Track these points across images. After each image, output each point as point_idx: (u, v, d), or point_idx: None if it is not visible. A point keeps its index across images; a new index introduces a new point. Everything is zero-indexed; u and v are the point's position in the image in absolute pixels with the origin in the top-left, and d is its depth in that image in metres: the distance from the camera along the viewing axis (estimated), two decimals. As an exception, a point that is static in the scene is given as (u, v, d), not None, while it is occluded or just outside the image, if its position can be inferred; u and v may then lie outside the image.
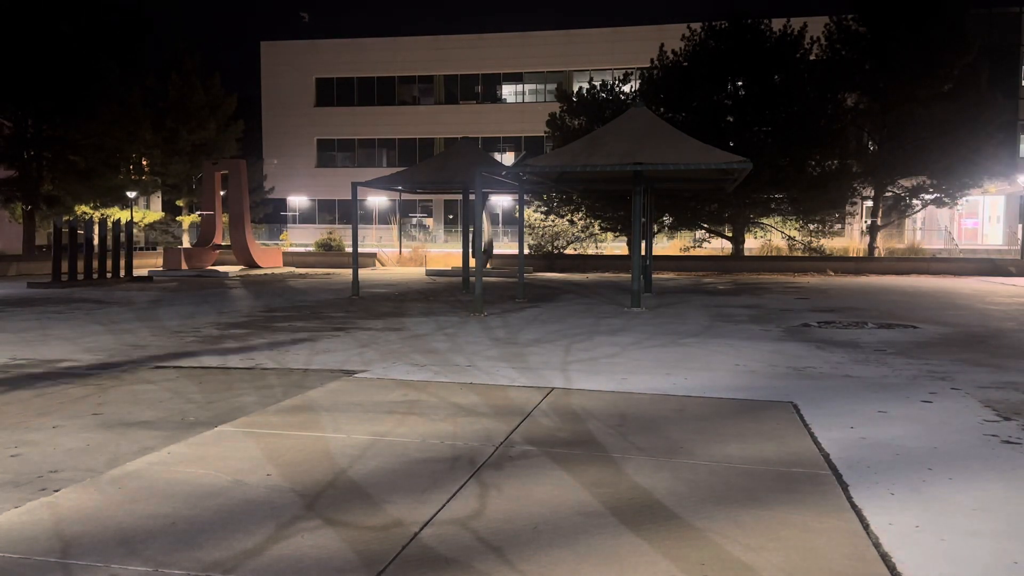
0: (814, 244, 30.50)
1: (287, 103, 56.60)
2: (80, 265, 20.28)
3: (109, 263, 21.37)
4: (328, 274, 26.14)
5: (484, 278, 14.45)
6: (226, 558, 3.43)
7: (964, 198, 31.51)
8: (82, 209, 30.98)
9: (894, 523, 3.89)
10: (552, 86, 45.25)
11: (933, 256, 30.40)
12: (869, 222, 32.35)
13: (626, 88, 31.28)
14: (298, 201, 56.97)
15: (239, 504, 4.10)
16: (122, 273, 21.76)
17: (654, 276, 20.78)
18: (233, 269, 26.60)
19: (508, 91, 55.66)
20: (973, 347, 9.90)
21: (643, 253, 16.64)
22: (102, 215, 30.59)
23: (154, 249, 36.19)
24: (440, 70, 55.42)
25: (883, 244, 32.66)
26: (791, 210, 29.79)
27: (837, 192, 28.86)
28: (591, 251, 33.55)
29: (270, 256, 29.18)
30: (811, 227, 30.52)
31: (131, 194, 32.24)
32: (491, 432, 5.54)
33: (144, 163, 35.82)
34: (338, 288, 19.60)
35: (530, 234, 32.06)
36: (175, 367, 8.25)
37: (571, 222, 31.63)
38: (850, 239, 36.59)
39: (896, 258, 29.35)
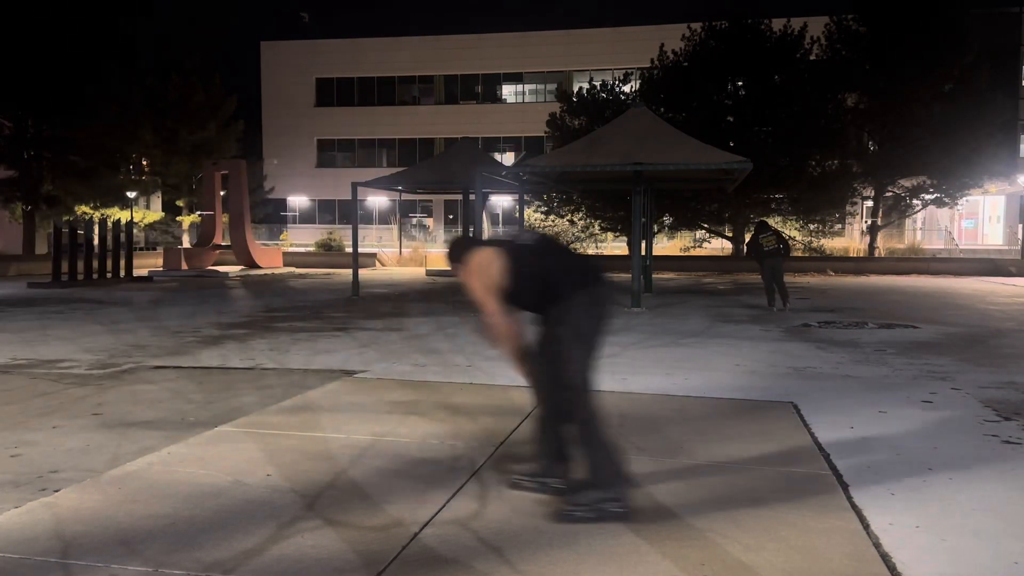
0: (814, 244, 30.51)
1: (287, 103, 56.56)
2: (80, 265, 20.29)
3: (109, 263, 21.37)
4: (328, 274, 26.14)
5: (484, 278, 14.42)
6: (226, 558, 3.43)
7: (964, 198, 31.51)
8: (82, 209, 30.98)
9: (894, 523, 3.89)
10: (552, 86, 45.23)
11: (933, 256, 30.40)
12: (869, 222, 32.37)
13: (626, 88, 31.32)
14: (298, 201, 56.95)
15: (239, 504, 4.10)
16: (122, 273, 21.76)
17: (654, 276, 20.77)
18: (233, 269, 26.60)
19: (508, 91, 55.63)
20: (973, 347, 9.90)
21: (643, 253, 16.65)
22: (102, 215, 30.59)
23: (154, 249, 36.18)
24: (440, 70, 55.38)
25: (883, 244, 32.67)
26: (791, 210, 29.81)
27: (837, 192, 28.88)
28: (591, 251, 33.55)
29: (270, 256, 29.18)
30: (811, 227, 30.54)
31: (131, 194, 32.26)
32: (491, 432, 5.54)
33: (144, 163, 35.83)
34: (338, 288, 19.60)
35: (530, 234, 32.01)
36: (175, 367, 8.25)
37: (571, 222, 31.65)
38: (850, 239, 36.60)
39: (896, 258, 29.36)
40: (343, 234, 37.84)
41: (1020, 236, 33.35)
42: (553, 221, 32.05)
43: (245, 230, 27.35)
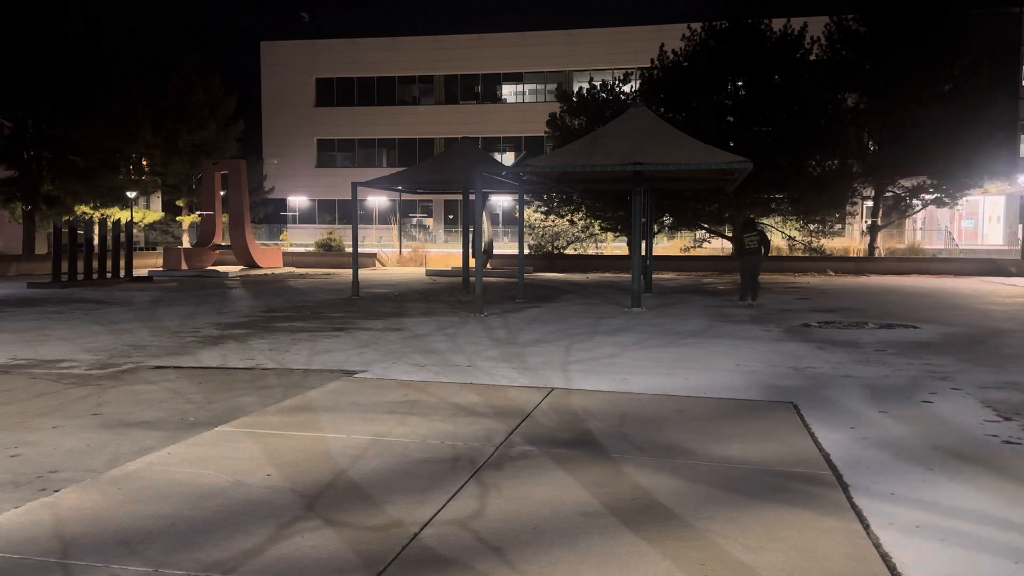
0: (814, 244, 30.49)
1: (287, 103, 56.57)
2: (80, 265, 20.28)
3: (109, 263, 21.37)
4: (328, 274, 26.14)
5: (484, 278, 14.45)
6: (226, 558, 3.43)
7: (964, 198, 31.50)
8: (82, 209, 30.96)
9: (894, 523, 3.89)
10: (552, 86, 45.23)
11: (933, 256, 30.40)
12: (869, 222, 32.34)
13: (626, 88, 31.27)
14: (298, 201, 56.96)
15: (239, 504, 4.10)
16: (122, 273, 21.76)
17: (654, 276, 20.76)
18: (233, 269, 26.60)
19: (508, 91, 55.64)
20: (974, 347, 9.90)
21: (643, 253, 16.64)
22: (102, 215, 30.58)
23: (154, 249, 36.18)
24: (440, 70, 55.39)
25: (883, 244, 32.64)
26: (791, 210, 29.79)
27: (837, 192, 28.85)
28: (591, 251, 33.55)
29: (270, 256, 29.18)
30: (811, 227, 30.51)
31: (131, 194, 32.25)
32: (491, 432, 5.53)
33: (144, 163, 35.80)
34: (338, 288, 19.59)
35: (530, 234, 32.05)
36: (175, 367, 8.25)
37: (571, 222, 31.62)
38: (850, 239, 36.57)
39: (896, 258, 29.35)
40: (343, 234, 37.84)
41: (1020, 236, 33.35)
42: (553, 221, 32.04)
43: (245, 230, 27.35)
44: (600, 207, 29.55)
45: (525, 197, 23.21)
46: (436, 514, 3.96)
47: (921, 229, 41.58)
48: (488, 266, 26.01)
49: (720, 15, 29.16)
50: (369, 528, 3.78)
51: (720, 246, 34.36)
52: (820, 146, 27.89)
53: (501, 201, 44.48)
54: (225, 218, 29.67)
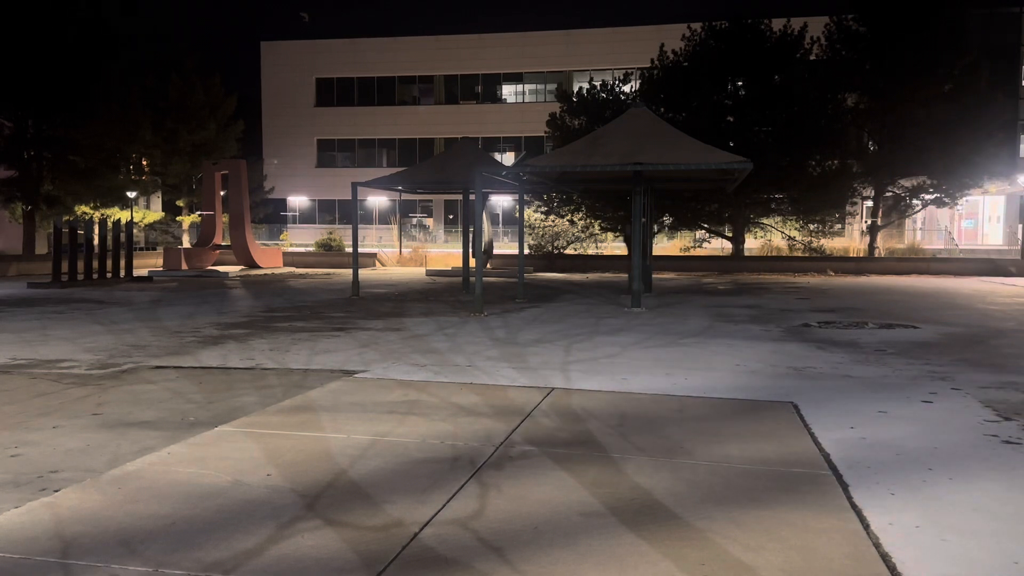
0: (814, 244, 30.50)
1: (287, 103, 56.59)
2: (80, 265, 20.28)
3: (109, 263, 21.37)
4: (328, 274, 26.14)
5: (484, 278, 14.46)
6: (226, 558, 3.43)
7: (964, 198, 31.51)
8: (82, 209, 30.97)
9: (894, 523, 3.89)
10: (552, 86, 45.26)
11: (933, 256, 30.41)
12: (869, 222, 32.36)
13: (626, 88, 31.28)
14: (298, 201, 56.97)
15: (239, 504, 4.10)
16: (122, 273, 21.76)
17: (654, 276, 20.76)
18: (233, 269, 26.61)
19: (508, 91, 55.65)
20: (973, 347, 9.90)
21: (643, 253, 16.65)
22: (102, 215, 30.58)
23: (154, 249, 36.18)
24: (440, 70, 55.42)
25: (883, 244, 32.65)
26: (791, 210, 29.80)
27: (837, 192, 28.87)
28: (591, 251, 33.55)
29: (270, 256, 29.19)
30: (811, 227, 30.53)
31: (131, 194, 32.26)
32: (491, 432, 5.54)
33: (144, 163, 35.81)
34: (338, 288, 19.60)
35: (530, 234, 32.05)
36: (175, 367, 8.25)
37: (571, 222, 31.63)
38: (850, 239, 36.59)
39: (896, 258, 29.36)
40: (343, 234, 37.85)
41: (1020, 236, 33.36)
42: (553, 221, 32.05)
43: (245, 230, 27.36)
44: (600, 207, 29.55)
45: (525, 197, 23.21)
46: (436, 514, 3.96)
47: (921, 229, 41.59)
48: (488, 266, 26.02)
49: (720, 15, 29.21)
50: (369, 528, 3.79)
51: (720, 246, 34.36)
52: (820, 146, 27.91)
53: (501, 201, 44.51)
54: (225, 218, 29.67)
